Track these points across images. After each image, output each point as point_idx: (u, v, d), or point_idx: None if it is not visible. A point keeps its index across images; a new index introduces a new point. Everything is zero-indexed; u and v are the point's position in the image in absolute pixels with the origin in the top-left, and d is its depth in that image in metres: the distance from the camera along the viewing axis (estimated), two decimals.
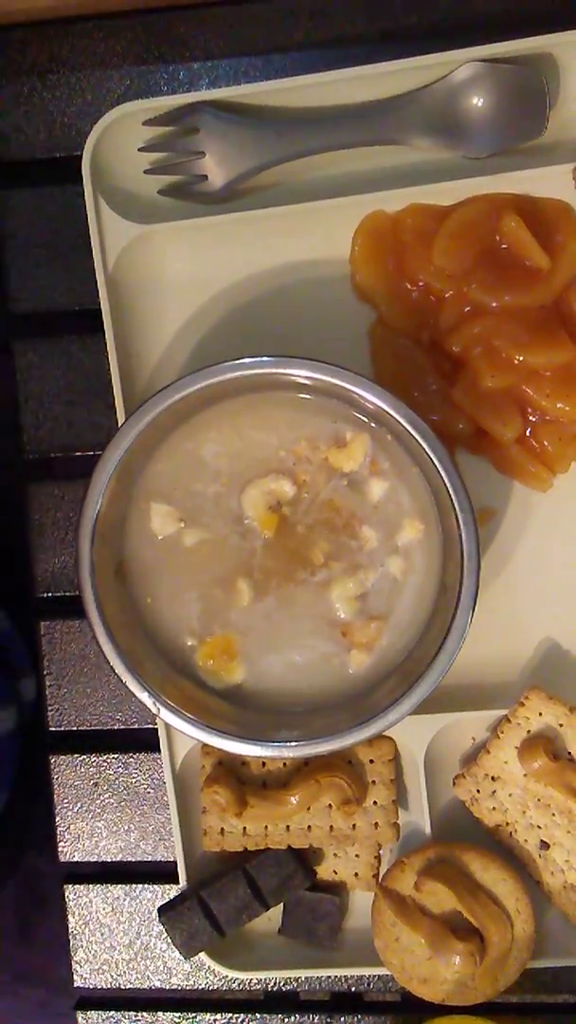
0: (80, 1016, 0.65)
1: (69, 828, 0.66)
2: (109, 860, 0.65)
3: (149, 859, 0.65)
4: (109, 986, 0.65)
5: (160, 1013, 0.65)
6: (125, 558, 0.57)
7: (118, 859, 0.65)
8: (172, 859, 0.63)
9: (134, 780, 0.65)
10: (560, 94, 0.58)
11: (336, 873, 0.60)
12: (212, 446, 0.56)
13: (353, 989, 0.64)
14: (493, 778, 0.58)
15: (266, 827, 0.59)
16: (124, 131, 0.59)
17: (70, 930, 0.65)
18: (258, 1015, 0.64)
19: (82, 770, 0.65)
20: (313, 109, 0.59)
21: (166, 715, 0.54)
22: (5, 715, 0.64)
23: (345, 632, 0.56)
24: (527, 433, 0.59)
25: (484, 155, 0.58)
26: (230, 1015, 0.64)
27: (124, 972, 0.65)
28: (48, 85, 0.63)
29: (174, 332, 0.61)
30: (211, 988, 0.65)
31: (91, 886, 0.65)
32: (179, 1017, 0.65)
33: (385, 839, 0.59)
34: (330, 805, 0.58)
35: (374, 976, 0.63)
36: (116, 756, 0.65)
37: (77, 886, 0.65)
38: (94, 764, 0.65)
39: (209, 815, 0.59)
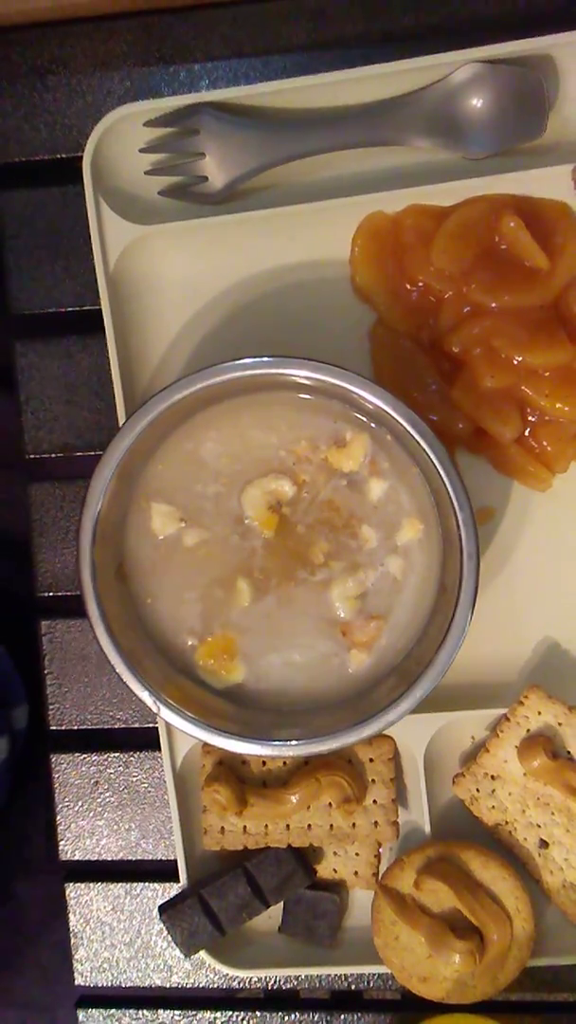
0: (81, 1014, 0.65)
1: (70, 827, 0.66)
2: (110, 859, 0.65)
3: (150, 858, 0.65)
4: (110, 984, 0.65)
5: (161, 1011, 0.65)
6: (126, 558, 0.57)
7: (119, 858, 0.65)
8: (172, 858, 0.63)
9: (135, 779, 0.65)
10: (559, 95, 0.59)
11: (336, 872, 0.60)
12: (212, 446, 0.56)
13: (353, 987, 0.64)
14: (492, 777, 0.58)
15: (266, 826, 0.59)
16: (125, 132, 0.59)
17: (71, 928, 0.65)
18: (258, 1013, 0.64)
19: (83, 769, 0.65)
20: (313, 110, 0.59)
21: (166, 714, 0.54)
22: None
23: (345, 631, 0.56)
24: (526, 433, 0.59)
25: (483, 156, 0.59)
26: (230, 1013, 0.64)
27: (125, 970, 0.65)
28: (49, 86, 0.63)
29: (174, 332, 0.61)
30: (211, 986, 0.65)
31: (92, 884, 0.65)
32: (179, 1015, 0.65)
33: (385, 838, 0.59)
34: (330, 804, 0.59)
35: (374, 974, 0.63)
36: (117, 755, 0.65)
37: (78, 884, 0.66)
38: (95, 763, 0.65)
39: (209, 814, 0.59)
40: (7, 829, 0.68)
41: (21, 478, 0.65)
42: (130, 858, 0.65)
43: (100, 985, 0.66)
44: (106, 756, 0.65)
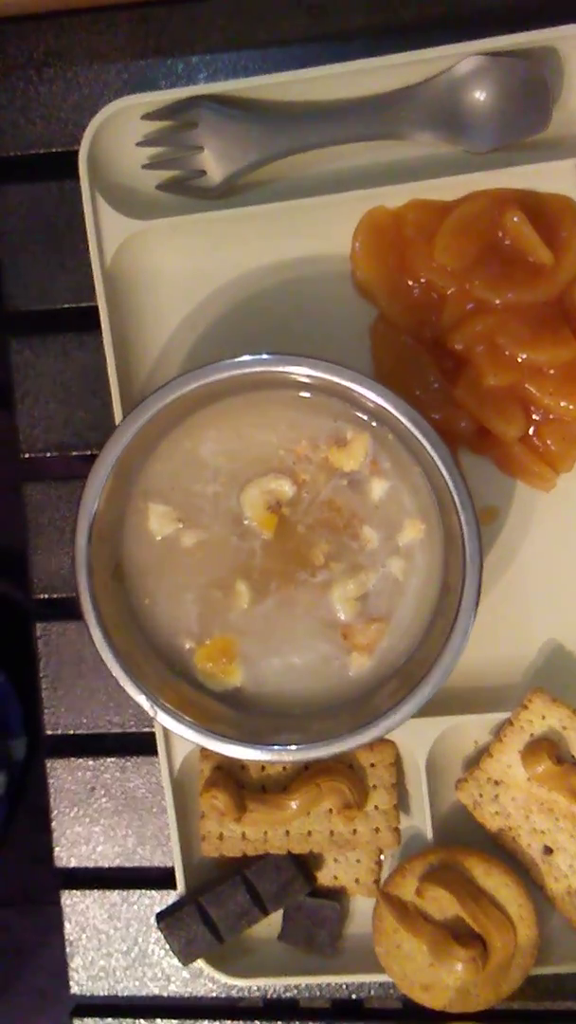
0: (76, 1023, 0.65)
1: (65, 833, 0.65)
2: (106, 866, 0.65)
3: (147, 864, 0.65)
4: (106, 993, 0.65)
5: (158, 1021, 0.64)
6: (123, 559, 0.56)
7: (115, 864, 0.65)
8: (170, 864, 0.63)
9: (131, 784, 0.65)
10: (563, 88, 0.58)
11: (336, 879, 0.60)
12: (211, 445, 0.56)
13: (354, 996, 0.63)
14: (496, 782, 0.58)
15: (265, 832, 0.58)
16: (122, 126, 0.58)
17: (67, 937, 0.65)
18: (257, 1023, 0.63)
19: (79, 774, 0.65)
20: (313, 103, 0.58)
21: (164, 718, 0.54)
22: None
23: (346, 634, 0.56)
24: (530, 432, 0.59)
25: (486, 150, 0.58)
26: (229, 1023, 0.64)
27: (121, 979, 0.65)
28: (45, 79, 0.62)
29: (172, 329, 0.61)
30: (210, 995, 0.64)
31: (88, 892, 0.65)
32: None
33: (386, 844, 0.58)
34: (330, 810, 0.58)
35: (375, 983, 0.63)
36: (113, 760, 0.65)
37: (74, 892, 0.65)
38: (91, 768, 0.65)
39: (208, 820, 0.59)
40: (4, 855, 0.68)
41: (16, 478, 0.65)
42: (127, 865, 0.65)
43: (96, 994, 0.65)
44: (102, 761, 0.65)
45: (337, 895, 0.60)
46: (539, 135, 0.58)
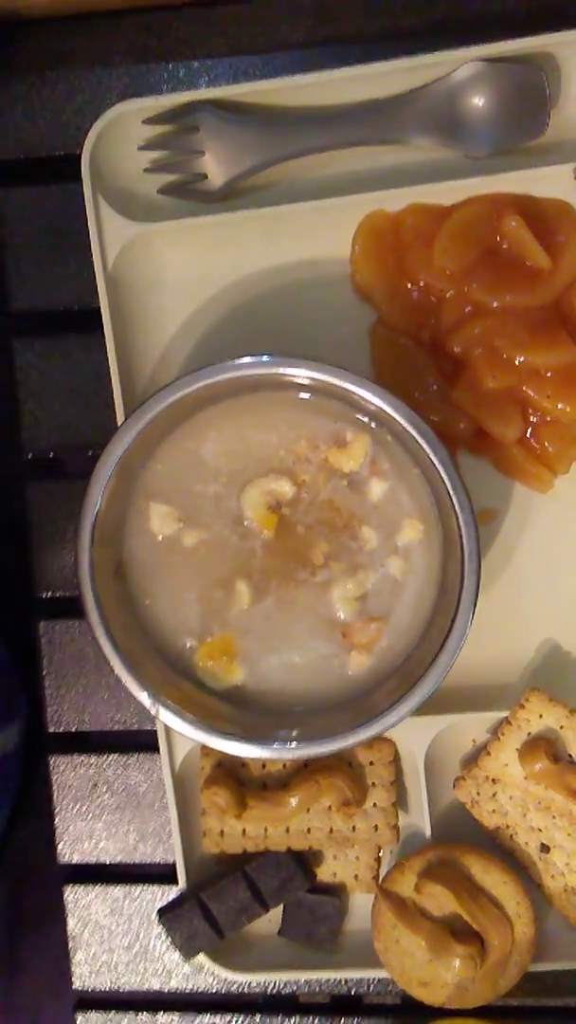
0: (79, 1017, 0.65)
1: (68, 829, 0.65)
2: (108, 861, 0.65)
3: (148, 860, 0.65)
4: (108, 988, 0.65)
5: (159, 1015, 0.65)
6: (124, 558, 0.57)
7: (117, 860, 0.65)
8: (171, 860, 0.63)
9: (133, 781, 0.65)
10: (561, 93, 0.58)
11: (336, 875, 0.60)
12: (212, 446, 0.56)
13: (353, 992, 0.63)
14: (493, 780, 0.58)
15: (266, 829, 0.59)
16: (123, 129, 0.59)
17: (69, 932, 0.65)
18: (257, 1017, 0.64)
19: (81, 771, 0.65)
20: (313, 108, 0.59)
21: (165, 716, 0.54)
22: (10, 733, 0.64)
23: (345, 633, 0.56)
24: (528, 434, 0.59)
25: (485, 154, 0.58)
26: (229, 1017, 0.64)
27: (123, 974, 0.65)
28: (47, 83, 0.62)
29: (174, 331, 0.61)
30: (210, 990, 0.65)
31: (90, 887, 0.65)
32: (178, 1019, 0.65)
33: (385, 841, 0.58)
34: (330, 807, 0.58)
35: (374, 979, 0.63)
36: (115, 757, 0.65)
37: (76, 887, 0.65)
38: (93, 765, 0.65)
39: (208, 816, 0.59)
40: (12, 834, 0.68)
41: (19, 478, 0.65)
42: (129, 861, 0.65)
43: (98, 989, 0.65)
44: (105, 758, 0.65)
45: (336, 891, 0.61)
46: (537, 140, 0.58)
